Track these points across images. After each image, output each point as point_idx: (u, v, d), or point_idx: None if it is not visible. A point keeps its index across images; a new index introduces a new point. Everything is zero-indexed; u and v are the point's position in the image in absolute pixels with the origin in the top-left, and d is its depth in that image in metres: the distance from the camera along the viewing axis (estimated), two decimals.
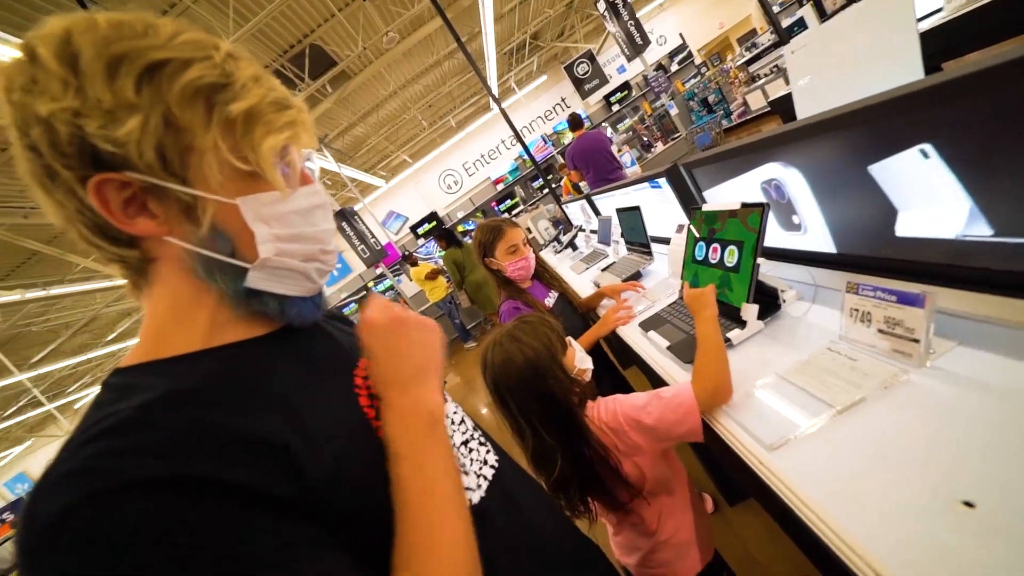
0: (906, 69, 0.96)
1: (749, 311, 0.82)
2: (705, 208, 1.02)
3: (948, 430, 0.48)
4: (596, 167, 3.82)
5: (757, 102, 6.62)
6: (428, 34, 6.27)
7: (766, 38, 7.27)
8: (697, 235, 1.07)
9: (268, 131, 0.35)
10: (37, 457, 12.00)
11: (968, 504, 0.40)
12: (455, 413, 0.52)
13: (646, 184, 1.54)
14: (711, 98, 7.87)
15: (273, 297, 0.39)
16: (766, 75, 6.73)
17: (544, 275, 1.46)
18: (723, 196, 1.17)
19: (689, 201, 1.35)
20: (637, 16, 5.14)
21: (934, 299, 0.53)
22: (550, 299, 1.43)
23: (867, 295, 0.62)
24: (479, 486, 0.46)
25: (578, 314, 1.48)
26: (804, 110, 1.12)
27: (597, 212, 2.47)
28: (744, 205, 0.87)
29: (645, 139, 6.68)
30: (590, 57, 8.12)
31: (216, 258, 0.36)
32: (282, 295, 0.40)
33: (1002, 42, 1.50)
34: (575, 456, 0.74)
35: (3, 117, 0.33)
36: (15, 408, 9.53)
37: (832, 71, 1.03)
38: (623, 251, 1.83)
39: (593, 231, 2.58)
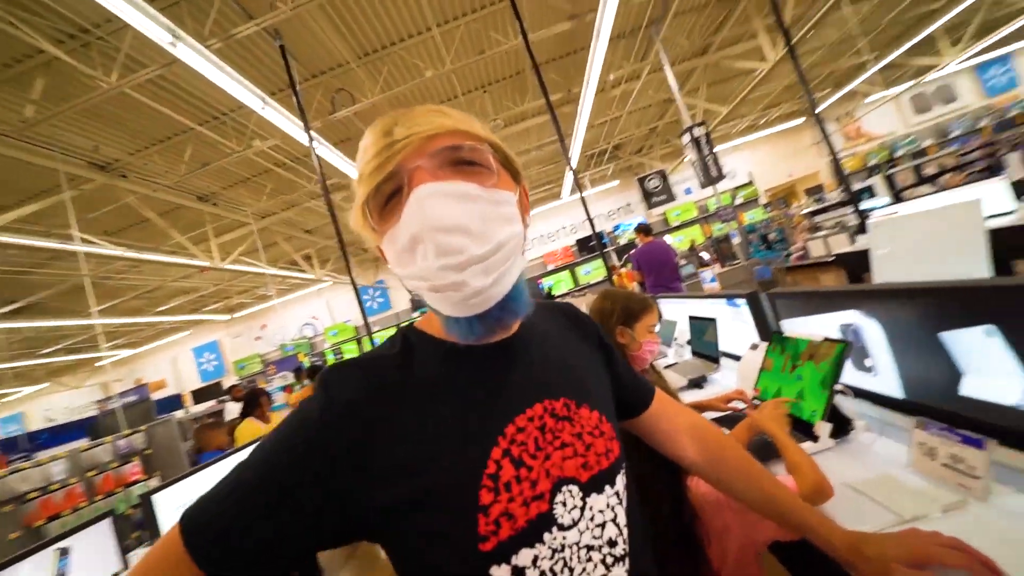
0: (974, 261, 1.15)
1: (823, 428, 0.95)
2: (787, 333, 1.20)
3: (1003, 558, 0.58)
4: (659, 274, 4.10)
5: (818, 250, 6.88)
6: (528, 127, 7.26)
7: (834, 195, 7.75)
8: (776, 353, 1.23)
9: (365, 159, 0.45)
10: (40, 403, 12.38)
11: None
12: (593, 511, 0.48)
13: (723, 300, 1.75)
14: (771, 236, 8.26)
15: (442, 314, 0.46)
16: (830, 227, 7.09)
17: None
18: (799, 328, 1.35)
19: (764, 325, 1.53)
20: (716, 151, 5.76)
21: (993, 445, 0.67)
22: None
23: (934, 432, 0.76)
24: None
25: None
26: (881, 273, 1.32)
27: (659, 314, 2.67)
28: (827, 339, 1.04)
29: (704, 258, 6.99)
30: (662, 175, 8.93)
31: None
32: (450, 315, 0.45)
33: None
34: (676, 509, 0.79)
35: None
36: (50, 350, 10.12)
37: (909, 247, 1.24)
38: (687, 355, 1.99)
39: None
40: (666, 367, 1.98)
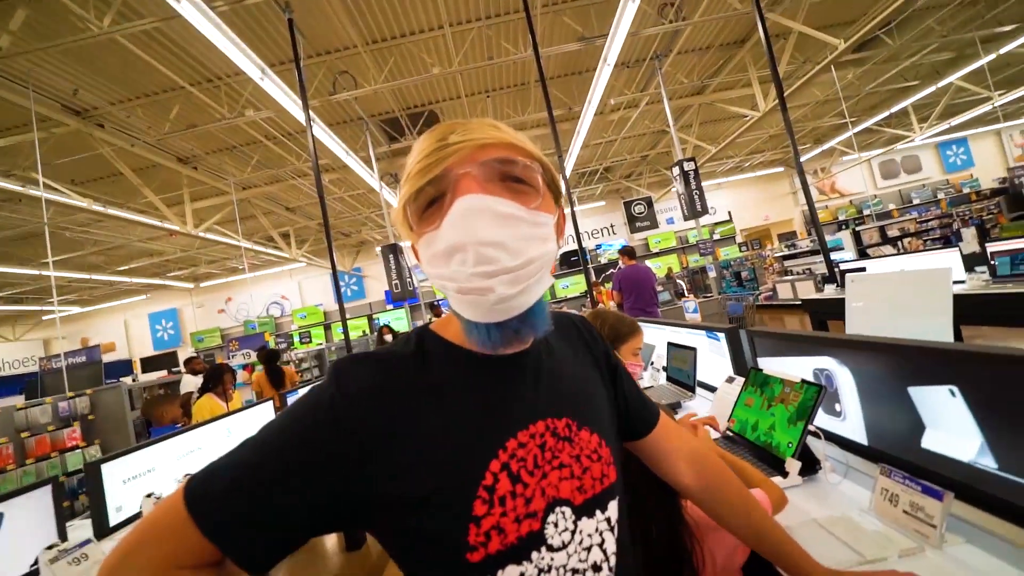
0: (941, 323, 1.26)
1: (793, 465, 1.01)
2: (766, 371, 1.26)
3: None
4: (639, 297, 4.21)
5: (785, 292, 7.27)
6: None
7: (805, 243, 8.22)
8: (753, 389, 1.29)
9: (413, 165, 0.45)
10: None
11: None
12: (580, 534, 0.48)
13: (703, 332, 1.82)
14: (744, 274, 8.66)
15: (463, 318, 0.47)
16: (798, 273, 7.50)
17: None
18: (775, 367, 1.42)
19: (741, 360, 1.60)
20: (703, 187, 6.01)
21: (951, 497, 0.73)
22: None
23: (897, 480, 0.81)
24: None
25: None
26: (854, 324, 1.41)
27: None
28: (804, 381, 1.10)
29: (679, 288, 7.23)
30: (649, 202, 9.21)
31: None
32: (471, 319, 0.45)
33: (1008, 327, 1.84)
34: (669, 526, 0.79)
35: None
36: (5, 294, 9.36)
37: (882, 303, 1.34)
38: (662, 379, 2.05)
39: None
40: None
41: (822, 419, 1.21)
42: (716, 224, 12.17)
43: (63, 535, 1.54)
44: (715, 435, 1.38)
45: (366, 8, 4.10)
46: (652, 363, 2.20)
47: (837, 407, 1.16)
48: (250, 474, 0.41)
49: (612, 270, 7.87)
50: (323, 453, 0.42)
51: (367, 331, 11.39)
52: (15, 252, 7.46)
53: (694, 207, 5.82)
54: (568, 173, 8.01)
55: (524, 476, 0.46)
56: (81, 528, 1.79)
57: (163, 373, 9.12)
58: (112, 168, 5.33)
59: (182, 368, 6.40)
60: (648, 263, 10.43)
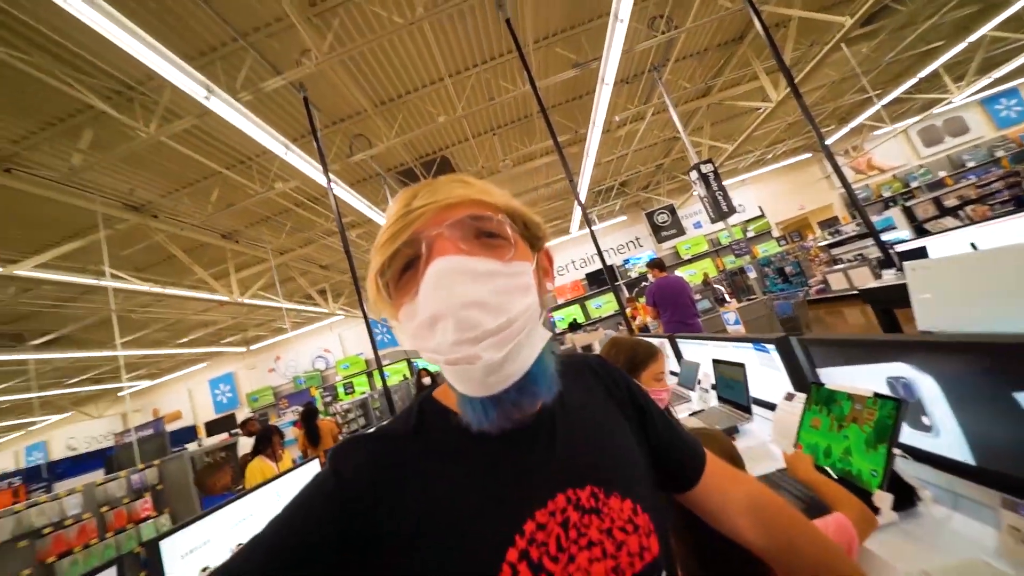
0: None
1: (883, 499, 0.85)
2: (828, 386, 1.11)
3: None
4: (675, 310, 4.01)
5: (839, 283, 6.71)
6: (535, 167, 7.47)
7: (851, 228, 7.65)
8: (818, 408, 1.14)
9: (382, 239, 0.44)
10: (65, 432, 12.47)
11: None
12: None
13: (750, 345, 1.66)
14: (788, 269, 8.13)
15: (458, 393, 0.44)
16: (849, 260, 6.95)
17: None
18: (839, 379, 1.26)
19: (799, 373, 1.44)
20: (725, 186, 5.79)
21: None
22: None
23: None
24: None
25: None
26: (926, 319, 1.24)
27: (679, 354, 2.57)
28: (877, 395, 0.96)
29: (719, 293, 6.88)
30: (671, 210, 8.99)
31: None
32: (466, 393, 0.42)
33: None
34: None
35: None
36: (76, 379, 10.31)
37: (955, 292, 1.17)
38: (713, 400, 1.88)
39: (672, 372, 2.64)
40: (691, 414, 1.87)
41: (908, 435, 1.04)
42: (748, 221, 11.65)
43: None
44: (771, 468, 1.22)
45: (371, 75, 4.39)
46: (699, 382, 2.04)
47: (924, 420, 0.99)
48: (261, 563, 0.39)
49: (645, 283, 7.62)
50: (325, 537, 0.39)
51: (407, 375, 11.53)
52: (91, 337, 8.22)
53: (719, 208, 5.61)
54: (584, 195, 8.00)
55: (547, 564, 0.40)
56: None
57: (225, 435, 9.56)
58: (166, 252, 5.84)
59: (239, 431, 6.66)
60: (680, 272, 10.06)
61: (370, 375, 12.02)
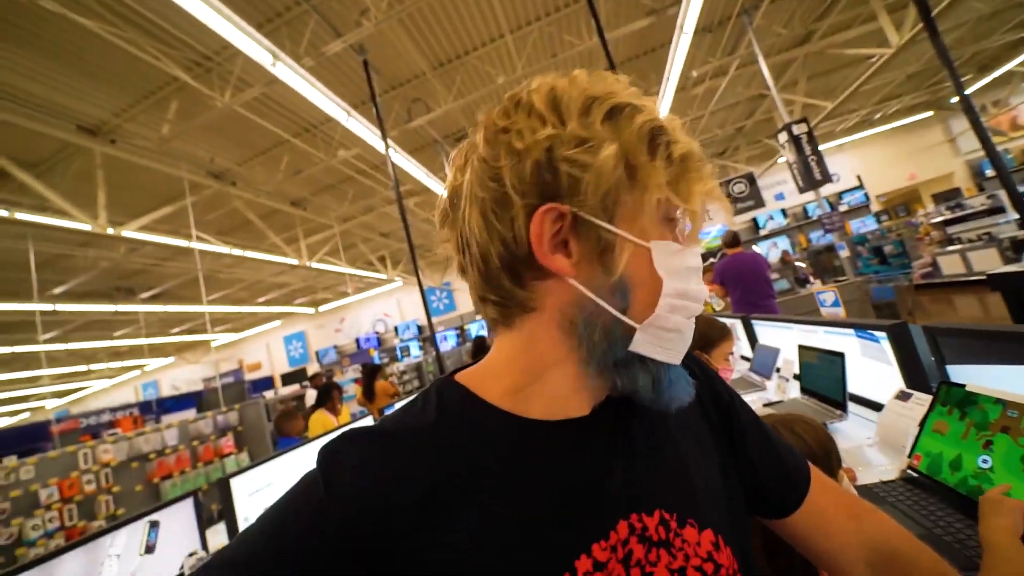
0: None
1: None
2: (973, 389, 0.87)
3: None
4: (746, 289, 3.62)
5: (953, 267, 5.71)
6: None
7: (978, 201, 6.39)
8: (945, 410, 0.91)
9: (699, 177, 0.35)
10: (170, 373, 14.69)
11: None
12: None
13: (851, 331, 1.39)
14: (888, 248, 7.06)
15: (647, 371, 0.35)
16: (971, 240, 5.84)
17: None
18: (979, 379, 0.99)
19: (917, 369, 1.17)
20: (820, 151, 5.03)
21: None
22: None
23: None
24: None
25: None
26: None
27: (752, 337, 2.30)
28: None
29: (801, 273, 6.17)
30: (750, 179, 8.07)
31: (609, 312, 0.34)
32: (657, 368, 0.36)
33: None
34: None
35: (478, 148, 0.37)
36: (177, 330, 11.93)
37: None
38: (793, 391, 1.64)
39: (744, 356, 2.38)
40: (765, 405, 1.65)
41: None
42: (841, 192, 10.23)
43: (204, 540, 1.75)
44: (875, 479, 1.01)
45: (430, 34, 4.26)
46: (779, 370, 1.79)
47: None
48: None
49: (713, 259, 7.03)
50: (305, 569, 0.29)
51: (460, 338, 11.93)
52: (187, 293, 9.35)
53: (811, 176, 4.90)
54: None
55: None
56: (219, 534, 2.04)
57: (296, 387, 10.64)
58: (244, 217, 6.35)
59: (308, 384, 7.33)
60: (757, 248, 9.15)
61: (423, 340, 12.61)
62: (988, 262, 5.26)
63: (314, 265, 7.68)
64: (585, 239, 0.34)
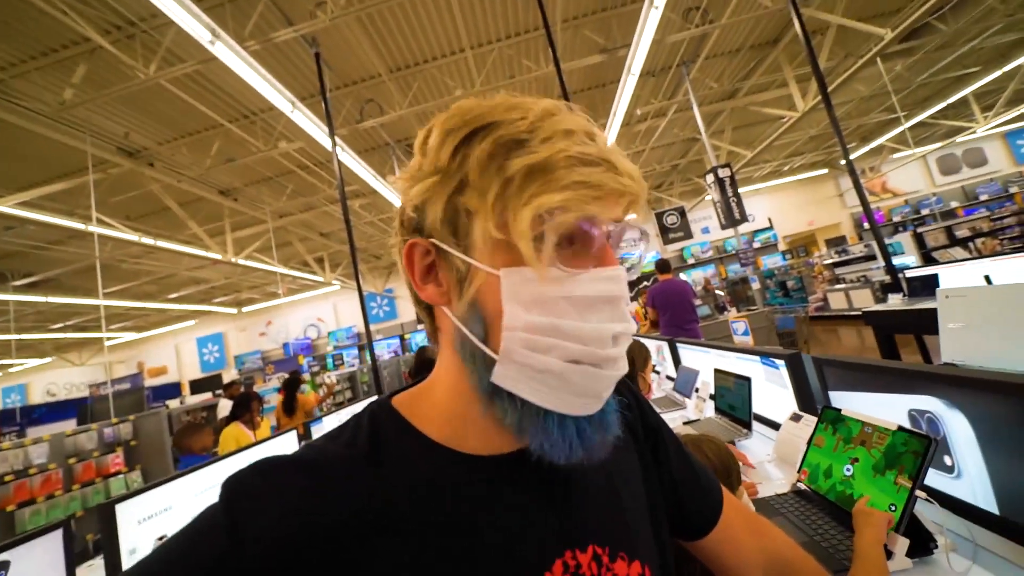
0: None
1: (898, 543, 0.78)
2: (845, 412, 1.03)
3: None
4: (674, 313, 3.93)
5: (838, 303, 6.68)
6: None
7: (857, 249, 7.57)
8: (823, 426, 1.07)
9: (544, 190, 0.29)
10: (45, 377, 12.40)
11: None
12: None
13: (757, 358, 1.58)
14: (790, 283, 8.08)
15: (514, 405, 0.32)
16: (852, 281, 6.88)
17: None
18: (853, 404, 1.18)
19: (806, 394, 1.36)
20: (740, 193, 5.67)
21: None
22: None
23: None
24: None
25: None
26: (953, 351, 1.16)
27: (677, 359, 2.50)
28: (903, 429, 0.88)
29: (720, 301, 6.81)
30: (681, 212, 8.85)
31: (470, 339, 0.32)
32: (537, 411, 0.32)
33: None
34: None
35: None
36: (60, 325, 10.20)
37: (993, 329, 1.08)
38: (709, 411, 1.81)
39: (669, 376, 2.57)
40: (685, 423, 1.80)
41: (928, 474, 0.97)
42: (755, 232, 11.55)
43: None
44: (772, 491, 1.15)
45: (389, 38, 4.19)
46: (697, 391, 1.97)
47: (947, 460, 0.92)
48: None
49: (645, 283, 7.53)
50: None
51: (402, 347, 11.50)
52: (77, 283, 8.09)
53: (731, 215, 5.50)
54: None
55: None
56: (94, 571, 1.75)
57: (208, 395, 9.53)
58: (161, 203, 5.68)
59: (222, 392, 6.62)
60: (684, 276, 9.98)
61: (360, 348, 12.00)
62: (864, 300, 6.24)
63: (241, 262, 7.03)
64: (447, 269, 0.34)
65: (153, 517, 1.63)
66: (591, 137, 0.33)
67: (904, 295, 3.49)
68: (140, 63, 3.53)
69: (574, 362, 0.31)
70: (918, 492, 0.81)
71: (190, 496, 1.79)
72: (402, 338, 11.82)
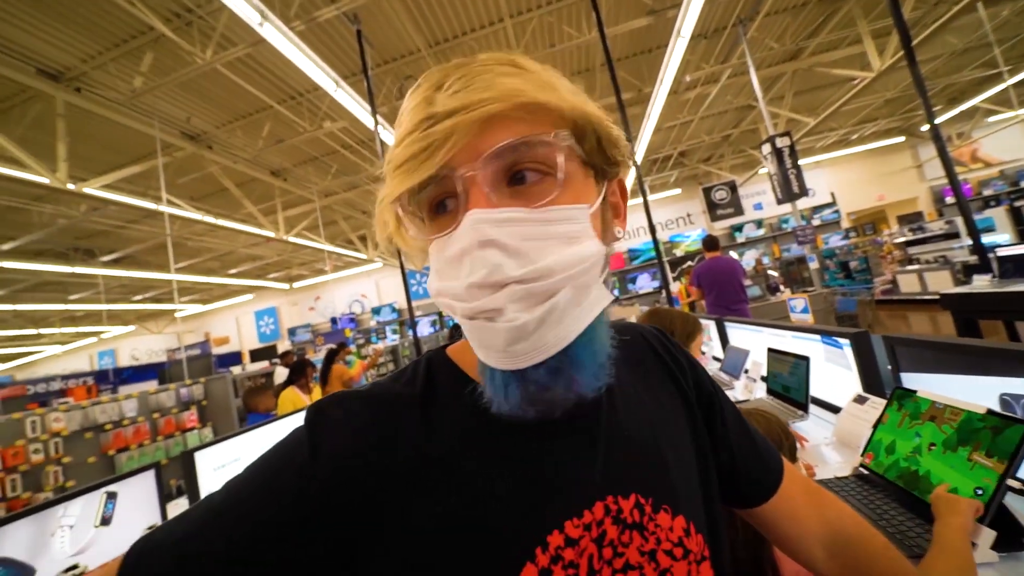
0: None
1: (983, 535, 0.71)
2: (922, 395, 0.94)
3: None
4: (721, 293, 3.75)
5: (910, 285, 6.06)
6: None
7: (937, 226, 6.80)
8: (896, 411, 0.98)
9: (386, 182, 0.34)
10: (129, 343, 14.00)
11: None
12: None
13: (817, 337, 1.47)
14: (853, 264, 7.42)
15: (479, 361, 0.34)
16: (928, 262, 6.21)
17: None
18: (932, 387, 1.07)
19: (874, 376, 1.26)
20: (799, 165, 5.21)
21: None
22: None
23: None
24: None
25: None
26: None
27: (724, 338, 2.39)
28: (992, 413, 0.79)
29: (772, 281, 6.41)
30: (732, 187, 8.31)
31: None
32: (486, 362, 0.33)
33: None
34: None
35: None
36: (140, 297, 11.37)
37: None
38: (759, 391, 1.72)
39: (715, 357, 2.47)
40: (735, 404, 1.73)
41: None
42: (816, 208, 10.65)
43: (164, 514, 1.70)
44: (829, 475, 1.08)
45: (428, 11, 4.14)
46: (747, 371, 1.88)
47: None
48: (198, 552, 0.31)
49: (690, 263, 7.21)
50: (284, 548, 0.31)
51: (439, 324, 11.85)
52: (152, 259, 8.90)
53: (790, 189, 5.09)
54: (639, 160, 7.50)
55: None
56: (181, 507, 1.99)
57: (266, 363, 10.34)
58: (219, 184, 6.07)
59: (278, 361, 7.15)
60: (733, 254, 9.44)
61: (402, 324, 12.47)
62: (941, 283, 5.62)
63: (291, 239, 7.44)
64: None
65: (225, 466, 1.82)
66: (437, 89, 0.32)
67: (994, 276, 3.12)
68: (198, 48, 3.71)
69: (469, 318, 0.31)
70: (1017, 484, 0.73)
71: (256, 449, 1.98)
72: (440, 315, 12.16)
